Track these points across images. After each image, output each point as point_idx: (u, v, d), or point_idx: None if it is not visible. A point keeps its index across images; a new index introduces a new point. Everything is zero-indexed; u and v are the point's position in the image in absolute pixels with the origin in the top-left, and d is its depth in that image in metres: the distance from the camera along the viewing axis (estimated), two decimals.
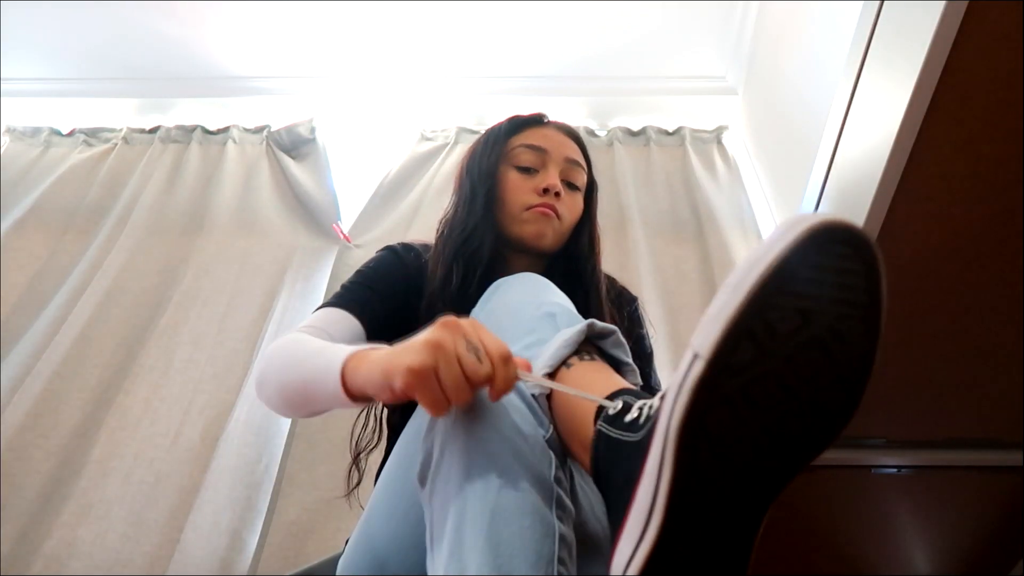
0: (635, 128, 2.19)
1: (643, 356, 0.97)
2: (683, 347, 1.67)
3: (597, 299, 0.93)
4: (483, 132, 1.04)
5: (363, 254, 1.92)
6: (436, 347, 0.50)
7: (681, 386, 0.37)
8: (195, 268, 1.85)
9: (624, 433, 0.46)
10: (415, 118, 2.26)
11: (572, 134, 1.05)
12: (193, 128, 2.22)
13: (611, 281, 1.04)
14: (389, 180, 2.11)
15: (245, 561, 1.36)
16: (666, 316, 1.72)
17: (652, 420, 0.43)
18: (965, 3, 0.42)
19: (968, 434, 0.70)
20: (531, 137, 0.99)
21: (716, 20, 2.03)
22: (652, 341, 1.02)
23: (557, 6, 1.98)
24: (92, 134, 2.27)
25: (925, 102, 0.46)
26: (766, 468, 0.39)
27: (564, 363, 0.58)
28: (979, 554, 0.85)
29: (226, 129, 2.21)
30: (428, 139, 2.23)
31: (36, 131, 2.28)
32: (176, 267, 1.87)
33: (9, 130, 2.30)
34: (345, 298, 0.85)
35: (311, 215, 2.03)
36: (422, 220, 1.98)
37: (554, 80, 2.19)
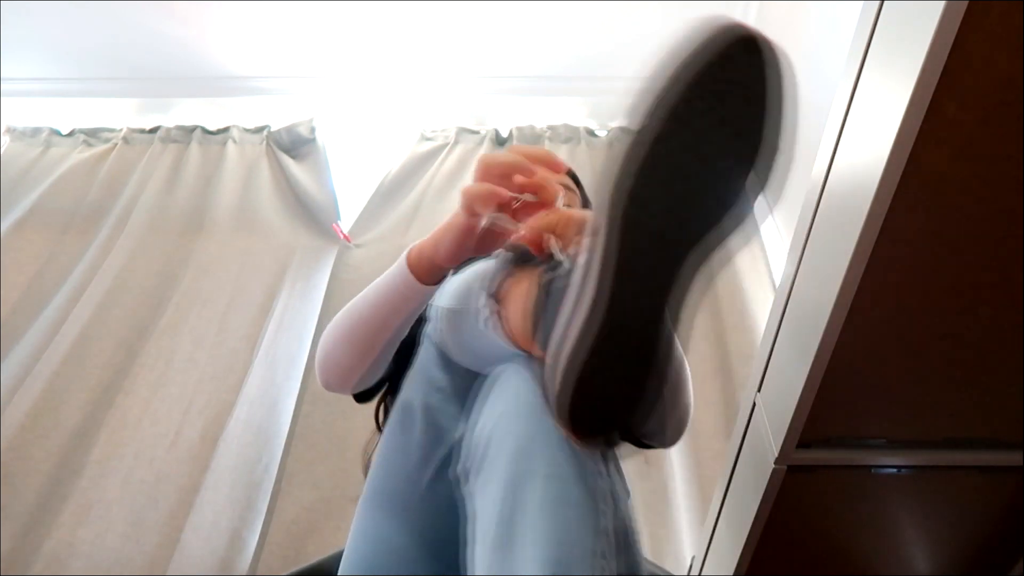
0: None
1: None
2: (683, 347, 1.67)
3: None
4: None
5: (363, 254, 1.92)
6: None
7: (612, 163, 0.41)
8: (195, 268, 1.85)
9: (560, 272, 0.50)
10: (415, 118, 2.26)
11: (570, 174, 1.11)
12: (193, 128, 2.22)
13: None
14: (389, 180, 2.11)
15: (245, 561, 1.36)
16: None
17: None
18: (965, 3, 0.42)
19: (968, 434, 0.70)
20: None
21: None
22: None
23: (557, 6, 1.98)
24: (92, 134, 2.27)
25: (925, 102, 0.46)
26: (682, 225, 0.45)
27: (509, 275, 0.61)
28: (979, 554, 0.85)
29: (226, 129, 2.21)
30: (428, 139, 2.23)
31: (36, 131, 2.28)
32: (176, 267, 1.87)
33: (9, 130, 2.30)
34: None
35: (311, 215, 2.03)
36: (422, 220, 1.98)
37: (554, 80, 2.19)
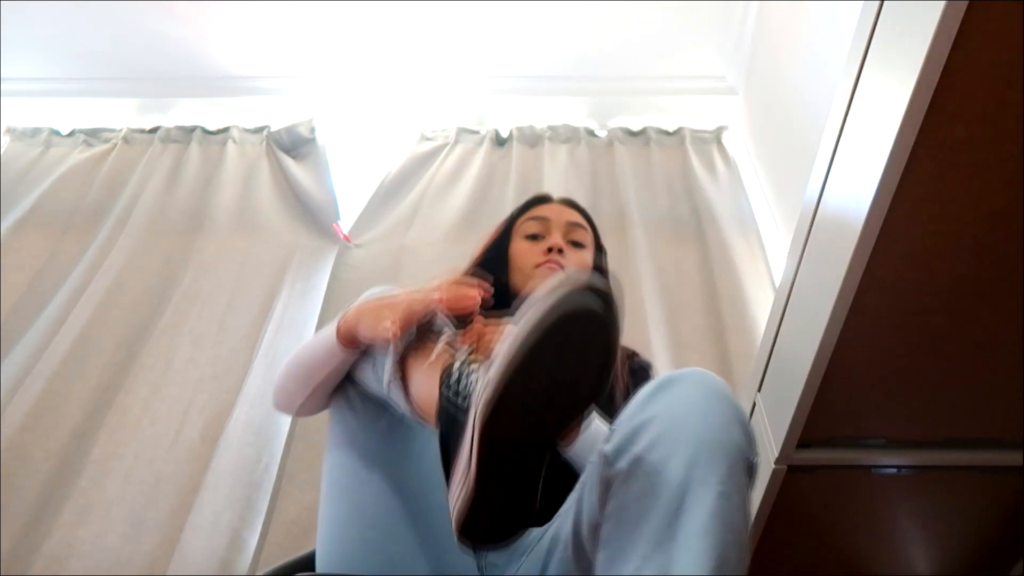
0: (635, 128, 2.19)
1: None
2: (683, 347, 1.67)
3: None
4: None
5: (363, 254, 1.92)
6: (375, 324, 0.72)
7: (480, 398, 0.53)
8: (195, 268, 1.85)
9: (455, 398, 0.61)
10: (415, 118, 2.26)
11: (573, 204, 1.20)
12: (193, 128, 2.22)
13: (622, 348, 1.13)
14: (389, 180, 2.11)
15: (245, 561, 1.36)
16: (666, 316, 1.72)
17: (469, 401, 0.58)
18: (965, 3, 0.42)
19: (968, 434, 0.70)
20: (536, 212, 1.15)
21: (716, 20, 2.03)
22: None
23: (557, 6, 1.98)
24: (92, 134, 2.27)
25: (925, 102, 0.46)
26: (535, 437, 0.57)
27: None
28: (979, 554, 0.85)
29: (226, 129, 2.21)
30: (428, 139, 2.23)
31: (36, 131, 2.28)
32: (176, 267, 1.87)
33: (9, 130, 2.30)
34: None
35: (311, 215, 2.03)
36: (422, 220, 1.98)
37: (554, 80, 2.19)
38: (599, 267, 1.14)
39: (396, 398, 0.70)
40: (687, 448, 0.55)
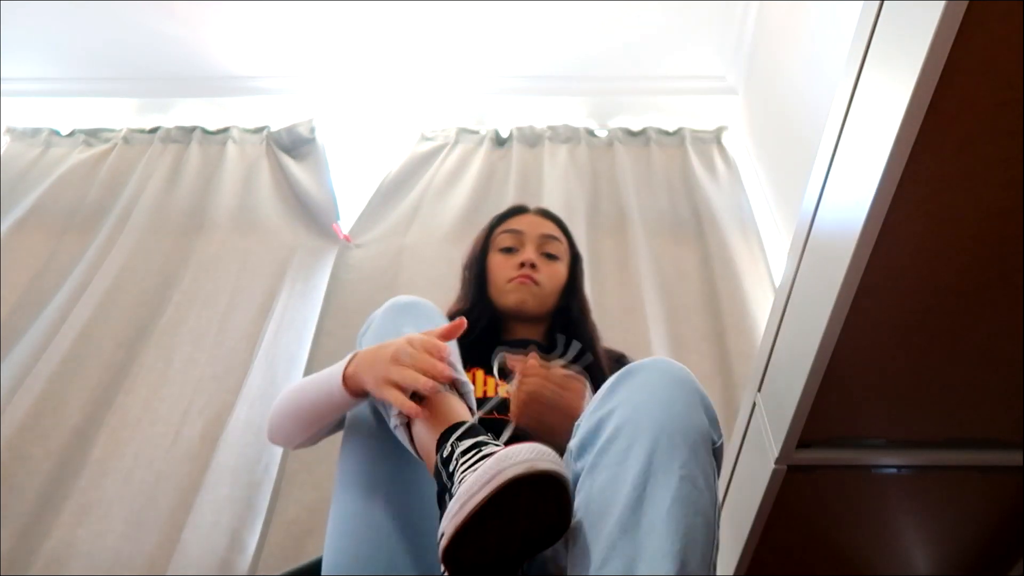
0: (635, 128, 2.19)
1: None
2: (683, 347, 1.67)
3: (596, 356, 1.03)
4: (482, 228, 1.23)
5: (363, 254, 1.92)
6: (385, 378, 0.68)
7: (440, 539, 0.53)
8: (195, 268, 1.85)
9: (444, 468, 0.60)
10: (415, 118, 2.26)
11: (549, 215, 1.22)
12: (193, 128, 2.22)
13: (608, 350, 1.15)
14: (389, 180, 2.11)
15: (245, 561, 1.36)
16: (666, 316, 1.72)
17: (452, 481, 0.57)
18: (965, 3, 0.42)
19: (968, 434, 0.70)
20: (511, 224, 1.17)
21: (716, 20, 2.03)
22: None
23: (557, 6, 1.98)
24: (92, 134, 2.27)
25: (925, 102, 0.46)
26: (499, 564, 0.56)
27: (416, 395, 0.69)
28: (979, 554, 0.85)
29: (226, 129, 2.21)
30: (428, 139, 2.23)
31: (36, 131, 2.28)
32: (176, 267, 1.87)
33: (9, 130, 2.30)
34: None
35: (311, 215, 2.03)
36: (422, 220, 1.98)
37: (554, 80, 2.20)
38: (573, 278, 1.16)
39: (400, 437, 0.70)
40: (647, 435, 0.56)
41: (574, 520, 0.56)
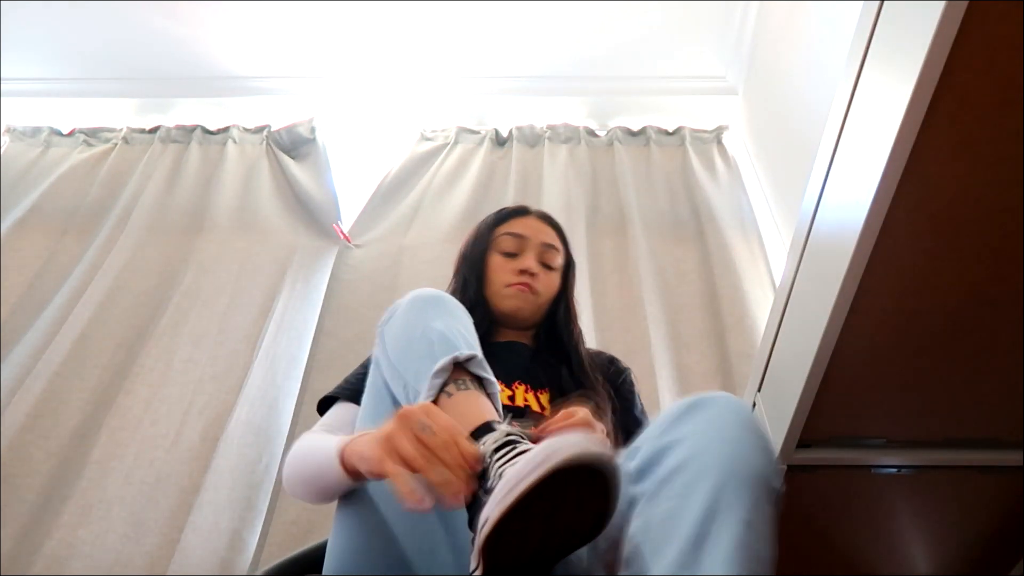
0: (635, 128, 2.19)
1: (634, 423, 1.03)
2: (683, 347, 1.67)
3: (579, 362, 1.05)
4: (476, 225, 1.22)
5: (363, 254, 1.92)
6: (387, 439, 0.61)
7: (483, 527, 0.52)
8: (195, 268, 1.85)
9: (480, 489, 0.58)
10: (415, 118, 2.26)
11: (550, 221, 1.22)
12: (193, 128, 2.22)
13: (599, 352, 1.17)
14: (389, 180, 2.11)
15: (245, 561, 1.36)
16: (666, 316, 1.72)
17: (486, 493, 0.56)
18: (965, 3, 0.41)
19: (968, 434, 0.70)
20: (514, 226, 1.16)
21: (716, 20, 2.03)
22: (642, 408, 1.09)
23: (557, 6, 1.98)
24: (92, 134, 2.27)
25: (925, 102, 0.46)
26: (536, 562, 0.56)
27: (444, 392, 0.67)
28: (979, 554, 0.85)
29: (226, 129, 2.21)
30: (428, 139, 2.23)
31: (36, 131, 2.28)
32: (176, 267, 1.87)
33: (9, 130, 2.30)
34: (347, 390, 0.98)
35: (311, 215, 2.03)
36: (422, 220, 1.98)
37: (554, 80, 2.20)
38: (564, 286, 1.16)
39: None
40: (715, 475, 0.54)
41: (631, 544, 0.55)
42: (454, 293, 1.12)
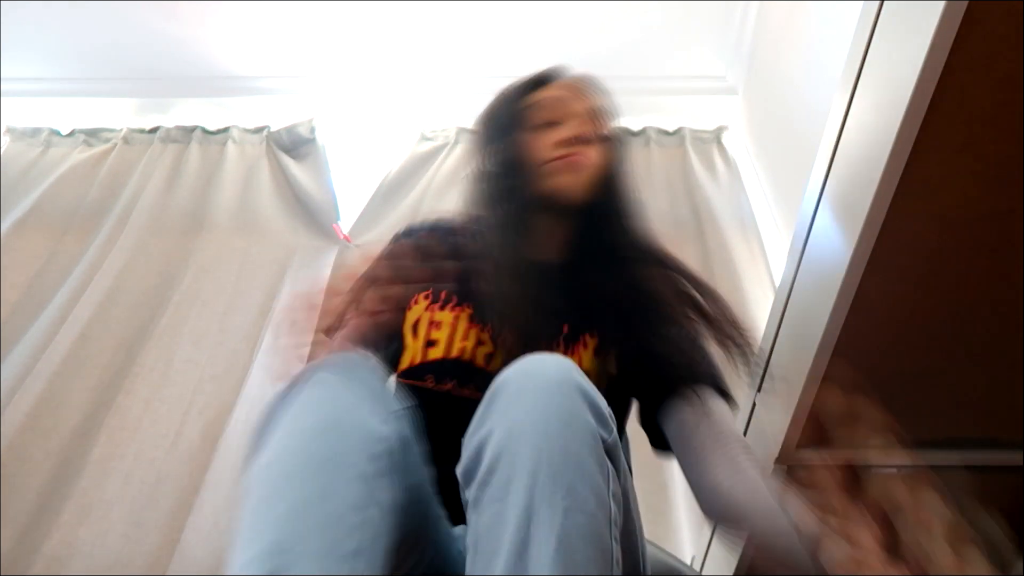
0: (635, 128, 2.19)
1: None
2: None
3: (643, 264, 0.84)
4: (488, 104, 0.97)
5: (363, 255, 1.92)
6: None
7: None
8: (195, 268, 1.85)
9: None
10: (415, 118, 2.26)
11: (591, 84, 0.97)
12: (193, 128, 2.22)
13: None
14: (389, 180, 2.11)
15: None
16: None
17: None
18: (965, 3, 0.41)
19: (968, 434, 0.70)
20: (546, 92, 0.92)
21: (716, 20, 2.03)
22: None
23: (557, 6, 1.98)
24: (92, 134, 2.26)
25: (925, 102, 0.46)
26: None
27: None
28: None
29: (226, 129, 2.21)
30: (428, 139, 2.23)
31: (36, 131, 2.28)
32: (176, 267, 1.87)
33: (9, 130, 2.30)
34: None
35: (311, 215, 2.03)
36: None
37: None
38: (614, 165, 0.90)
39: None
40: (526, 465, 0.50)
41: (470, 556, 0.52)
42: (485, 181, 0.88)
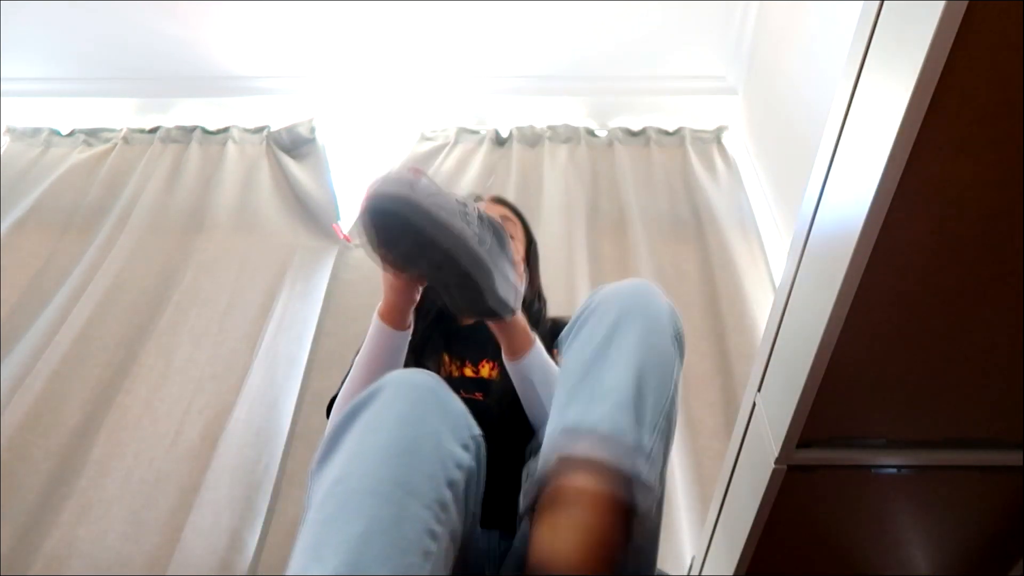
0: (635, 128, 2.19)
1: None
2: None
3: (544, 333, 1.06)
4: None
5: (363, 254, 1.92)
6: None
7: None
8: (195, 268, 1.85)
9: None
10: (415, 118, 2.26)
11: (503, 201, 1.25)
12: (193, 128, 2.22)
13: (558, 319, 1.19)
14: None
15: (245, 561, 1.36)
16: None
17: None
18: (965, 3, 0.41)
19: (968, 434, 0.70)
20: None
21: (716, 20, 2.03)
22: None
23: (557, 6, 1.98)
24: (92, 134, 2.27)
25: (925, 102, 0.46)
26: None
27: None
28: (979, 554, 0.85)
29: (226, 129, 2.21)
30: (428, 139, 2.23)
31: (36, 131, 2.28)
32: (176, 267, 1.87)
33: (9, 130, 2.30)
34: None
35: (311, 215, 2.03)
36: None
37: (554, 80, 2.19)
38: (529, 257, 1.20)
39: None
40: (617, 309, 0.68)
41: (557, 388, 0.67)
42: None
